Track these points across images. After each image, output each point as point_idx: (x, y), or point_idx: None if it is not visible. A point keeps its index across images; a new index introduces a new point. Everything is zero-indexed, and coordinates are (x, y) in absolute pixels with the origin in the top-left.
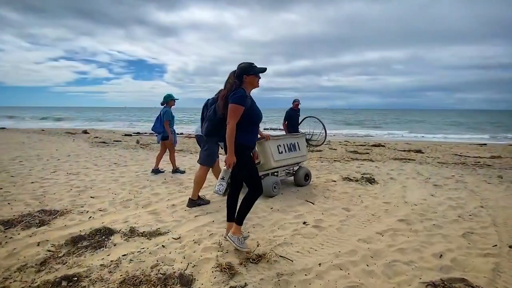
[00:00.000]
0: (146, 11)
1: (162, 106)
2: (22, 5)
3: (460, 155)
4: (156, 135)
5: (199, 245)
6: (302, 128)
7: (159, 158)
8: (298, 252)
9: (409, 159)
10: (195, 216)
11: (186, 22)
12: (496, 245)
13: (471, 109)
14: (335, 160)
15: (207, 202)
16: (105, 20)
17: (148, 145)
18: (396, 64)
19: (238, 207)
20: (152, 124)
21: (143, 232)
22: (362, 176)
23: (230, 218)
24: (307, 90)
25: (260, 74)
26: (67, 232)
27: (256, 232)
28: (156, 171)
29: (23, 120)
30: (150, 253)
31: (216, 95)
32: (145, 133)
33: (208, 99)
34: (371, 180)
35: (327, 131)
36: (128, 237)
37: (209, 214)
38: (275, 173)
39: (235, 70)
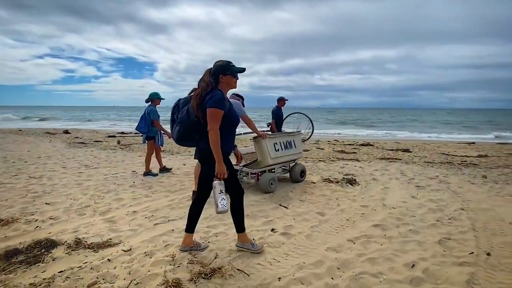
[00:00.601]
0: (136, 8)
1: (147, 104)
2: (6, 1)
3: (447, 154)
4: (141, 135)
5: (150, 257)
6: (287, 124)
7: (148, 160)
8: (259, 264)
9: (395, 159)
10: (155, 224)
11: (177, 19)
12: (472, 253)
13: (462, 108)
14: (320, 160)
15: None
16: (93, 16)
17: (129, 146)
18: (389, 63)
19: (233, 215)
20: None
21: (91, 243)
22: (344, 177)
23: (190, 229)
24: (300, 89)
25: (246, 72)
26: (5, 245)
27: (217, 242)
28: (148, 173)
29: (4, 120)
30: (91, 268)
31: (189, 94)
32: (130, 133)
33: (180, 99)
34: (352, 182)
35: (314, 126)
36: (72, 250)
37: (171, 221)
38: (272, 170)
39: (211, 68)
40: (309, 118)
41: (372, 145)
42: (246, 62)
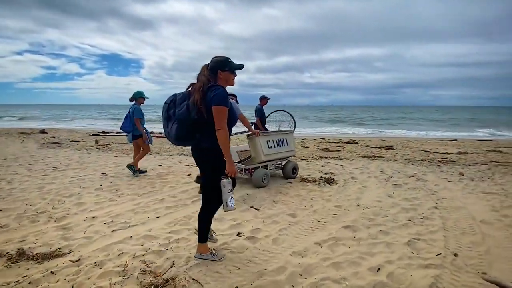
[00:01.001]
0: (121, 3)
1: (131, 103)
2: None
3: (429, 151)
4: (126, 135)
5: (100, 268)
6: (269, 123)
7: (137, 158)
8: (217, 272)
9: (378, 156)
10: (113, 230)
11: (163, 15)
12: (440, 254)
13: (446, 105)
14: (302, 159)
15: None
16: (74, 11)
17: (107, 146)
18: (376, 62)
19: (199, 223)
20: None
21: (36, 254)
22: (322, 177)
23: (202, 238)
24: (289, 87)
25: (238, 71)
26: None
27: (177, 248)
28: (135, 171)
29: None
30: (30, 283)
31: (187, 89)
32: (112, 132)
33: (175, 94)
34: (330, 181)
35: (296, 123)
36: (12, 262)
37: (131, 227)
38: (265, 167)
39: (208, 64)
40: (290, 115)
41: (356, 143)
42: (234, 59)
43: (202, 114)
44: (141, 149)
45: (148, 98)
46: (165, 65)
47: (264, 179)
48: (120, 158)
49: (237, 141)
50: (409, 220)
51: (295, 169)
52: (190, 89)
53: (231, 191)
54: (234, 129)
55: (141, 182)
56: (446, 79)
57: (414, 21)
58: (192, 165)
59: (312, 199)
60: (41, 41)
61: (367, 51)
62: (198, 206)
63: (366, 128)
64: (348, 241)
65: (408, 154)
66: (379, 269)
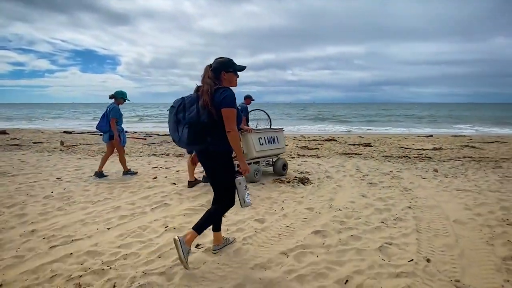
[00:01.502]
0: None
1: (110, 100)
2: None
3: (405, 148)
4: (102, 135)
5: None
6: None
7: (104, 160)
8: None
9: (355, 154)
10: (51, 247)
11: (140, 9)
12: (412, 260)
13: (423, 102)
14: None
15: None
16: (43, 3)
17: (73, 147)
18: (356, 59)
19: (202, 217)
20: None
21: None
22: (296, 177)
23: (217, 227)
24: (272, 85)
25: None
26: None
27: (123, 266)
28: (99, 174)
29: None
30: None
31: (195, 92)
32: (82, 132)
33: (183, 98)
34: (304, 181)
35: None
36: None
37: (75, 242)
38: (257, 163)
39: (210, 65)
40: (266, 113)
41: (336, 140)
42: (215, 56)
43: (212, 117)
44: (115, 150)
45: (129, 101)
46: (143, 61)
47: (256, 174)
48: (84, 160)
49: None
50: (382, 222)
51: (285, 166)
52: (199, 92)
53: (246, 188)
54: None
55: (98, 188)
56: (424, 77)
57: (393, 19)
58: (160, 167)
59: (283, 201)
60: (7, 35)
61: (348, 48)
62: (157, 214)
63: (346, 125)
64: (316, 248)
65: (385, 151)
66: (347, 281)
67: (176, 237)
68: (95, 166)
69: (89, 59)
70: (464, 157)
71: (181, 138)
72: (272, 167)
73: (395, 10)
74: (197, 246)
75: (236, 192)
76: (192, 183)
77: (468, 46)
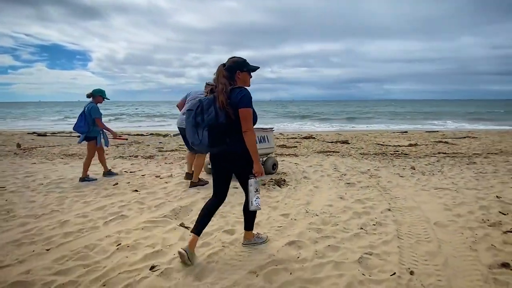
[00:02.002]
0: None
1: (88, 100)
2: None
3: (382, 145)
4: (79, 136)
5: None
6: None
7: (87, 164)
8: None
9: (333, 152)
10: None
11: (112, 3)
12: (394, 273)
13: (396, 99)
14: None
15: (206, 182)
16: None
17: (30, 150)
18: (333, 57)
19: (244, 215)
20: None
21: None
22: (272, 179)
23: (199, 230)
24: (251, 82)
25: (194, 63)
26: None
27: None
28: (85, 179)
29: None
30: None
31: (212, 94)
32: (46, 133)
33: (200, 100)
34: (280, 183)
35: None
36: None
37: None
38: None
39: (224, 64)
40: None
41: (314, 138)
42: (193, 53)
43: (230, 118)
44: (96, 152)
45: (108, 99)
46: (116, 58)
47: None
48: (39, 165)
49: None
50: (361, 229)
51: (275, 165)
52: (214, 93)
53: (257, 191)
54: None
55: (47, 198)
56: (396, 74)
57: (367, 18)
58: (125, 172)
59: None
60: None
61: (325, 46)
62: (111, 228)
63: (325, 123)
64: (290, 263)
65: (362, 148)
66: None
67: (242, 244)
68: (51, 172)
69: (57, 55)
70: (439, 153)
71: (202, 141)
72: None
73: (369, 8)
74: (151, 268)
75: (253, 195)
76: (190, 175)
77: (436, 45)
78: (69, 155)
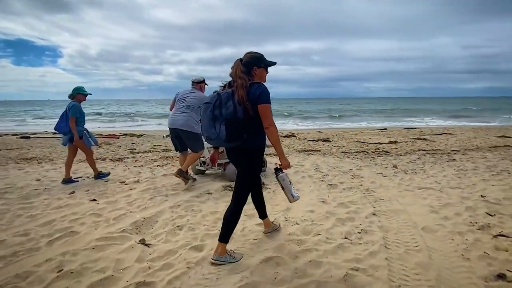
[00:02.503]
0: None
1: (70, 100)
2: None
3: (363, 142)
4: (62, 136)
5: None
6: None
7: (68, 165)
8: None
9: (314, 150)
10: None
11: None
12: None
13: (376, 97)
14: None
15: (194, 180)
16: None
17: None
18: (314, 55)
19: (224, 224)
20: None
21: None
22: None
23: (263, 215)
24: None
25: (173, 60)
26: None
27: None
28: (68, 181)
29: None
30: None
31: (230, 88)
32: (6, 134)
33: (218, 93)
34: None
35: None
36: None
37: None
38: None
39: (241, 59)
40: None
41: (295, 136)
42: (172, 49)
43: (248, 113)
44: (84, 153)
45: (90, 94)
46: (89, 54)
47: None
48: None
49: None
50: (346, 238)
51: (263, 163)
52: (232, 87)
53: (291, 183)
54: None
55: None
56: (375, 73)
57: (347, 17)
58: (87, 177)
59: None
60: None
61: (306, 44)
62: (55, 249)
63: (306, 121)
64: (266, 286)
65: (343, 146)
66: None
67: (212, 259)
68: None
69: (24, 50)
70: (419, 150)
71: (219, 135)
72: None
73: (348, 7)
74: None
75: (284, 189)
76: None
77: (413, 44)
78: (27, 159)
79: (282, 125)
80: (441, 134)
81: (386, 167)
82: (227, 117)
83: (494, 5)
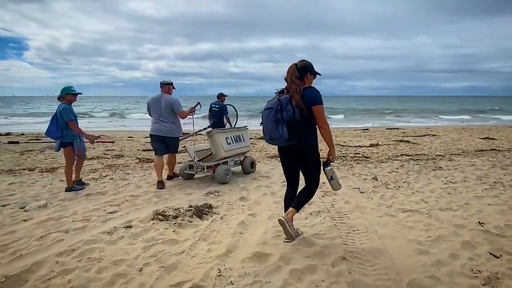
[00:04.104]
0: None
1: (59, 102)
2: None
3: (342, 145)
4: (55, 141)
5: None
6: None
7: (68, 172)
8: None
9: None
10: None
11: None
12: None
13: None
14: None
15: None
16: None
17: None
18: (298, 52)
19: (298, 197)
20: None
21: None
22: (192, 206)
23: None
24: (214, 76)
25: (152, 56)
26: None
27: None
28: (72, 189)
29: None
30: None
31: (286, 93)
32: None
33: (279, 99)
34: (203, 212)
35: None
36: None
37: None
38: (225, 163)
39: (296, 64)
40: (235, 109)
41: None
42: (150, 44)
43: (303, 114)
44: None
45: (80, 93)
46: (60, 47)
47: (227, 174)
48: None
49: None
50: None
51: (253, 163)
52: (289, 93)
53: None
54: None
55: None
56: (358, 71)
57: (330, 14)
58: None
59: (145, 265)
60: None
61: (290, 41)
62: None
63: None
64: None
65: (321, 150)
66: None
67: (281, 218)
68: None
69: None
70: (402, 154)
71: (282, 135)
72: (240, 166)
73: (331, 4)
74: None
75: (330, 180)
76: (162, 183)
77: (395, 43)
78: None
79: (260, 125)
80: (424, 135)
81: (365, 179)
82: (288, 119)
83: (471, 6)
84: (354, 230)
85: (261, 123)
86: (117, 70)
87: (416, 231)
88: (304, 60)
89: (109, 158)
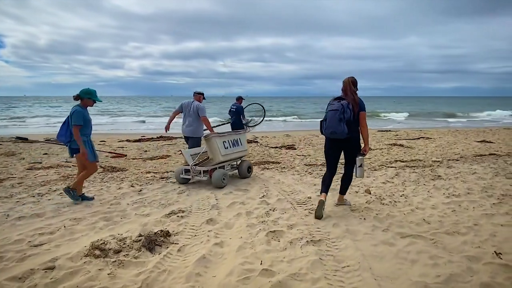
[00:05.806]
0: None
1: (76, 102)
2: None
3: None
4: (66, 146)
5: None
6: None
7: (80, 180)
8: None
9: (273, 163)
10: None
11: None
12: None
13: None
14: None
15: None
16: None
17: None
18: (288, 52)
19: (342, 183)
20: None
21: None
22: (141, 235)
23: (326, 190)
24: (202, 76)
25: (136, 54)
26: None
27: None
28: (82, 197)
29: None
30: None
31: (343, 101)
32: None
33: (342, 104)
34: (155, 243)
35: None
36: None
37: None
38: (222, 167)
39: (349, 78)
40: (262, 107)
41: (257, 142)
42: (134, 42)
43: (355, 117)
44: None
45: (101, 101)
46: (38, 44)
47: (224, 179)
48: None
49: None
50: None
51: (250, 168)
52: (346, 99)
53: (361, 166)
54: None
55: None
56: (349, 71)
57: (321, 13)
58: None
59: None
60: None
61: (280, 40)
62: None
63: (277, 121)
64: None
65: (309, 155)
66: None
67: (323, 199)
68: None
69: None
70: (396, 160)
71: (344, 130)
72: (237, 170)
73: (322, 3)
74: None
75: (358, 167)
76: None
77: (385, 43)
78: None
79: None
80: (418, 138)
81: (356, 191)
82: (347, 119)
83: (462, 7)
84: (344, 267)
85: (322, 120)
86: (99, 69)
87: (420, 266)
88: (353, 77)
89: (70, 167)
